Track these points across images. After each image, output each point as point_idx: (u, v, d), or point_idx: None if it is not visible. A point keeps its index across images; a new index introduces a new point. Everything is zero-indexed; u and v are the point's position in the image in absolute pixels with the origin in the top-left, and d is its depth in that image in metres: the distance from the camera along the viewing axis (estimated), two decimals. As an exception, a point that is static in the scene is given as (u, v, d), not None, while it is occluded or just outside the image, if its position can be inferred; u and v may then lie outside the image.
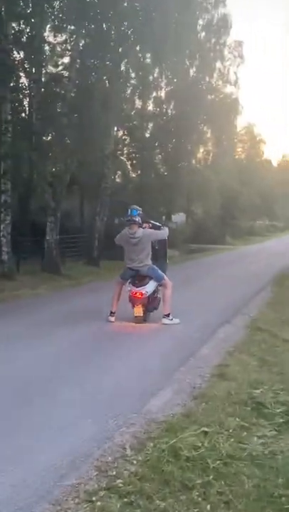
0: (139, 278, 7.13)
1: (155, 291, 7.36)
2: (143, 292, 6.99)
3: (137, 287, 7.04)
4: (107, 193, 16.89)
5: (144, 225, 7.29)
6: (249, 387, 4.19)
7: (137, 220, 7.11)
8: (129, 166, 24.89)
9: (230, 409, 3.68)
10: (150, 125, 25.11)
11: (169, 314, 7.05)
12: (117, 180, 24.32)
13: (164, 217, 26.32)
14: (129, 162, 24.63)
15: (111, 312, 7.14)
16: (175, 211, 31.17)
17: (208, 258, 21.09)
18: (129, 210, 7.15)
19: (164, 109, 25.16)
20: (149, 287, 7.10)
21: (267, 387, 4.20)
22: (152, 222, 7.61)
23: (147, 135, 24.88)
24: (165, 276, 7.23)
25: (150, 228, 7.37)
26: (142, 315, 6.99)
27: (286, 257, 19.36)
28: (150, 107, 24.96)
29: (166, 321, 7.01)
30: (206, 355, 5.48)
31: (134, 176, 25.07)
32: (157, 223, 7.73)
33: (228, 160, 32.93)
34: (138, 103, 23.08)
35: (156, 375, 4.67)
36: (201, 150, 31.01)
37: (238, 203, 37.10)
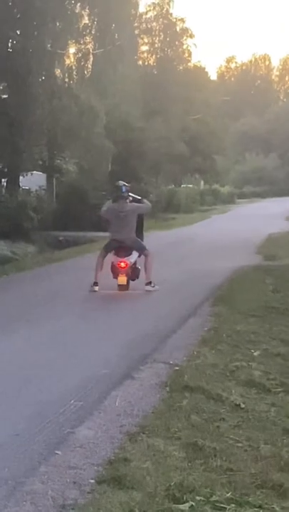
0: (123, 249, 13.05)
1: (136, 262, 13.25)
2: (128, 262, 12.93)
3: (121, 257, 12.93)
4: None
5: None
6: (168, 500, 4.24)
7: (126, 196, 13.22)
8: None
9: None
10: None
11: (150, 282, 13.01)
12: None
13: (3, 183, 25.63)
14: None
15: (94, 282, 12.91)
16: (24, 168, 30.70)
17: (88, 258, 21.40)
18: (124, 191, 13.22)
19: None
20: (132, 257, 13.09)
21: (201, 497, 4.26)
22: (132, 195, 13.48)
23: None
24: (146, 247, 13.26)
25: (131, 202, 13.29)
26: (125, 283, 12.93)
27: (236, 256, 19.64)
28: None
29: (148, 288, 13.01)
30: (87, 440, 5.46)
31: None
32: (137, 196, 13.71)
33: (124, 70, 33.20)
34: None
35: None
36: (73, 51, 30.69)
37: (144, 152, 37.71)
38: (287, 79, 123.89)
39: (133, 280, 13.26)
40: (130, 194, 13.48)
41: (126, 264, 12.95)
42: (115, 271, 13.06)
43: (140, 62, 44.56)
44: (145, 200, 13.98)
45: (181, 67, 51.06)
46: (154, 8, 47.75)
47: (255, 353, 8.45)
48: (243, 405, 6.38)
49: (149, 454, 5.08)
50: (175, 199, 47.68)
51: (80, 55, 29.32)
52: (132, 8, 30.19)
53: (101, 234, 29.34)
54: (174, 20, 49.24)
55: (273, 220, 35.81)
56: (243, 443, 5.45)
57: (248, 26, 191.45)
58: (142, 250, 13.28)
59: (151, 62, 47.75)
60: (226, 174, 70.66)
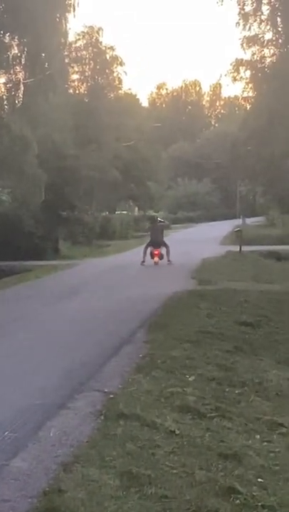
0: (156, 244, 26.61)
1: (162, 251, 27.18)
2: (159, 250, 26.32)
3: (156, 248, 26.52)
4: None
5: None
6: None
7: (157, 220, 30.43)
8: None
9: None
10: None
11: (170, 260, 25.77)
12: None
13: None
14: None
15: (143, 261, 25.96)
16: None
17: (27, 287, 21.46)
18: (156, 218, 31.54)
19: None
20: (162, 249, 26.50)
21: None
22: (160, 219, 31.80)
23: None
24: (167, 244, 27.25)
25: (159, 223, 29.64)
26: (157, 261, 25.93)
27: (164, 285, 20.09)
28: None
29: (169, 263, 25.72)
30: (21, 472, 5.39)
31: None
32: (162, 220, 33.40)
33: (55, 99, 33.26)
34: None
35: None
36: (3, 81, 30.41)
37: (77, 180, 37.85)
38: (217, 104, 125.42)
39: (161, 259, 25.38)
40: (159, 219, 30.24)
41: (158, 252, 25.62)
42: (153, 255, 25.59)
43: (71, 91, 44.59)
44: (166, 221, 33.07)
45: (112, 95, 51.32)
46: (84, 36, 48.01)
47: (190, 379, 8.45)
48: (177, 431, 6.38)
49: (84, 484, 5.05)
50: (110, 226, 47.87)
51: (10, 84, 29.00)
52: (61, 37, 29.61)
53: (36, 263, 29.46)
54: (104, 48, 49.51)
55: (207, 245, 36.23)
56: (178, 469, 5.44)
57: (178, 53, 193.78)
58: (165, 245, 25.97)
59: (82, 90, 47.85)
60: (160, 200, 71.17)
